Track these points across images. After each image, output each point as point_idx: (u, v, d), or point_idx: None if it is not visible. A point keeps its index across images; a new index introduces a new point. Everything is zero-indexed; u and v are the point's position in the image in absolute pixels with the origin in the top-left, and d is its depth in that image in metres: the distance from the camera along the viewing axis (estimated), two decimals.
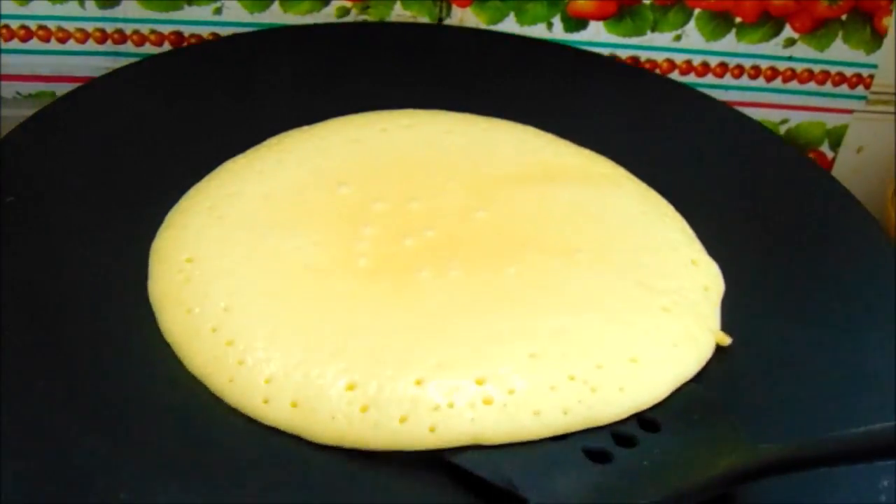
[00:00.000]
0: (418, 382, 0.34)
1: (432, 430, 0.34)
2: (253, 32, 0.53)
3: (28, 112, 0.52)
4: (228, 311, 0.37)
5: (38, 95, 0.54)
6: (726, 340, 0.39)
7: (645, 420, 0.35)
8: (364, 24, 0.54)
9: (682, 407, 0.35)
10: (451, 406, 0.34)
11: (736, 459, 0.32)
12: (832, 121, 0.59)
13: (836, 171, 0.59)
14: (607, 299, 0.39)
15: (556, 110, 0.49)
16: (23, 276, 0.37)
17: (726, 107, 0.52)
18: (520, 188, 0.43)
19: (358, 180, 0.43)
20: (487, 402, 0.34)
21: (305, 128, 0.46)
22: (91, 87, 0.48)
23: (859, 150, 0.60)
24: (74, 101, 0.46)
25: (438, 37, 0.54)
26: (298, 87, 0.49)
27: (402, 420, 0.34)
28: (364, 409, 0.34)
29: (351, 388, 0.34)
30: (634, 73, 0.55)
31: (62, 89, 0.54)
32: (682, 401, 0.36)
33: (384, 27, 0.54)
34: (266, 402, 0.34)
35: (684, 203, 0.45)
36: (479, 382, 0.35)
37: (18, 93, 0.54)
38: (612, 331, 0.37)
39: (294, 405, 0.34)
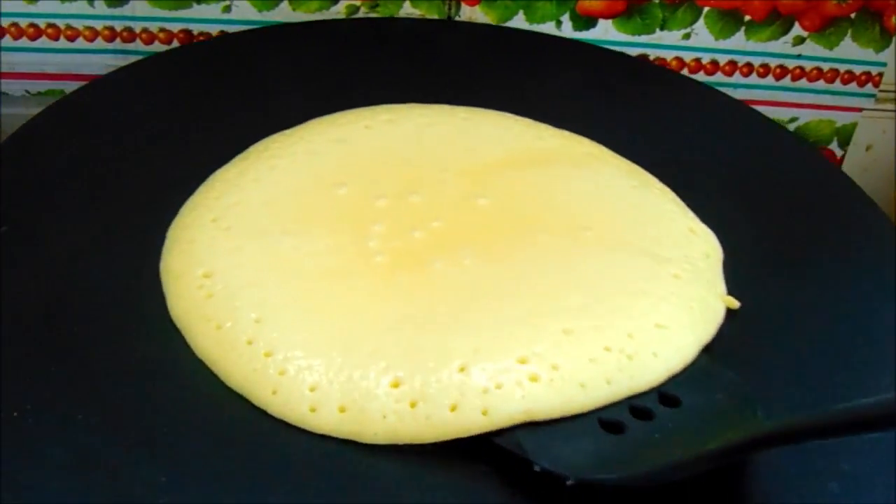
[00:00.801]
0: (462, 369, 0.35)
1: (485, 412, 0.34)
2: (219, 36, 0.53)
3: (38, 110, 0.53)
4: (260, 323, 0.36)
5: (48, 93, 0.54)
6: (735, 304, 0.39)
7: (665, 396, 0.35)
8: (338, 20, 0.54)
9: (704, 384, 0.36)
10: (499, 387, 0.34)
11: (737, 433, 0.32)
12: (841, 119, 0.59)
13: (845, 170, 0.59)
14: (621, 272, 0.39)
15: (528, 96, 0.49)
16: (31, 307, 0.37)
17: (705, 87, 0.53)
18: (512, 173, 0.44)
19: (355, 180, 0.42)
20: (534, 379, 0.34)
21: (287, 131, 0.45)
22: (67, 101, 0.47)
23: (868, 148, 0.60)
24: (50, 117, 0.45)
25: (419, 30, 0.54)
26: (272, 89, 0.48)
27: (453, 408, 0.34)
28: (413, 405, 0.34)
29: (396, 384, 0.34)
30: (613, 59, 0.55)
31: (71, 87, 0.54)
32: (705, 379, 0.36)
33: (358, 22, 0.55)
34: (313, 410, 0.34)
35: (668, 176, 0.45)
36: (522, 362, 0.35)
37: (27, 91, 0.54)
38: (634, 301, 0.38)
39: (342, 410, 0.34)
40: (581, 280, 0.39)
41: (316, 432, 0.34)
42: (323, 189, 0.42)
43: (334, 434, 0.34)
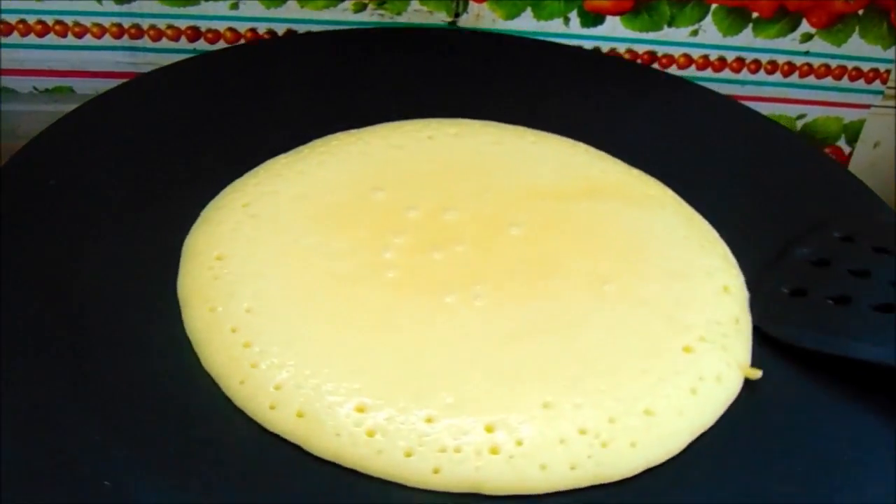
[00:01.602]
0: (429, 420, 0.34)
1: (436, 471, 0.33)
2: (305, 34, 0.54)
3: (46, 107, 0.53)
4: (251, 313, 0.37)
5: (55, 90, 0.54)
6: (756, 375, 0.37)
7: None
8: (414, 28, 0.55)
9: None
10: (457, 451, 0.33)
11: None
12: (849, 116, 0.59)
13: (853, 166, 0.59)
14: (629, 341, 0.37)
15: (603, 123, 0.48)
16: (52, 264, 0.38)
17: (772, 122, 0.52)
18: (559, 204, 0.43)
19: (395, 186, 0.42)
20: (494, 451, 0.34)
21: (352, 131, 0.46)
22: (146, 79, 0.49)
23: (876, 144, 0.60)
24: (127, 92, 0.47)
25: (488, 44, 0.54)
26: (349, 89, 0.49)
27: (408, 454, 0.33)
28: (371, 434, 0.34)
29: (361, 409, 0.34)
30: (679, 85, 0.54)
31: (79, 84, 0.54)
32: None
33: (435, 32, 0.55)
34: (273, 408, 0.34)
35: (728, 225, 0.44)
36: (489, 429, 0.34)
37: (35, 88, 0.54)
38: (629, 379, 0.36)
39: (300, 415, 0.34)
40: (583, 346, 0.37)
41: (270, 430, 0.34)
42: (360, 191, 0.42)
43: (286, 436, 0.34)
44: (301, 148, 0.45)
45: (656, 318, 0.38)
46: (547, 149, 0.46)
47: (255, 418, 0.34)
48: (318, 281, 0.38)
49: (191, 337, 0.37)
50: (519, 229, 0.41)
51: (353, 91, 0.49)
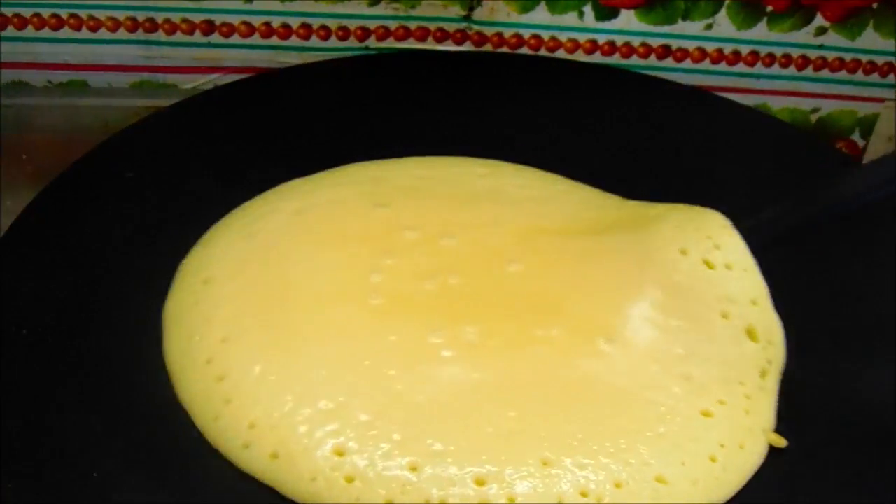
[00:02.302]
0: (413, 468, 0.32)
1: None
2: (374, 55, 0.55)
3: (60, 101, 0.53)
4: (226, 342, 0.35)
5: (70, 84, 0.54)
6: (781, 443, 0.34)
7: None
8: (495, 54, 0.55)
9: None
10: (441, 502, 0.31)
11: None
12: (863, 109, 0.59)
13: (867, 160, 0.59)
14: (638, 402, 0.34)
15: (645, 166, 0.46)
16: (55, 273, 0.38)
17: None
18: (565, 240, 0.40)
19: (399, 204, 0.40)
20: None
21: (379, 161, 0.44)
22: (200, 98, 0.50)
23: (890, 138, 0.60)
24: (178, 111, 0.48)
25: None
26: (397, 118, 0.48)
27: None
28: (349, 480, 0.32)
29: (340, 453, 0.32)
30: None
31: (93, 78, 0.54)
32: None
33: (503, 56, 0.55)
34: (246, 447, 0.33)
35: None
36: (479, 482, 0.32)
37: (50, 81, 0.54)
38: (641, 442, 0.33)
39: (274, 456, 0.32)
40: (588, 403, 0.34)
41: (242, 470, 0.33)
42: (363, 206, 0.40)
43: (259, 478, 0.32)
44: (322, 172, 0.43)
45: (671, 377, 0.35)
46: (574, 195, 0.43)
47: (227, 457, 0.33)
48: (299, 305, 0.36)
49: (168, 367, 0.35)
50: (518, 267, 0.38)
51: (403, 120, 0.48)
